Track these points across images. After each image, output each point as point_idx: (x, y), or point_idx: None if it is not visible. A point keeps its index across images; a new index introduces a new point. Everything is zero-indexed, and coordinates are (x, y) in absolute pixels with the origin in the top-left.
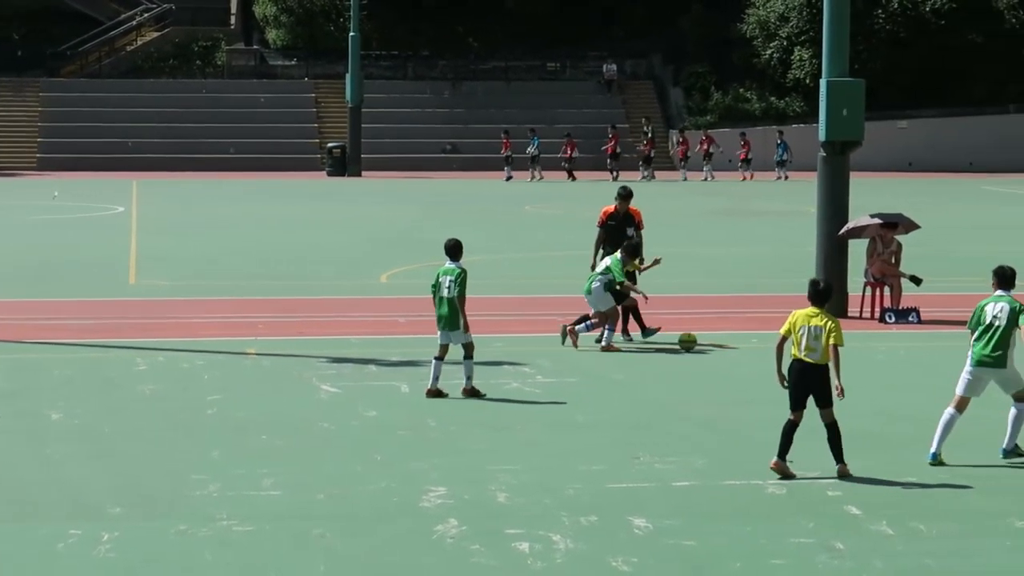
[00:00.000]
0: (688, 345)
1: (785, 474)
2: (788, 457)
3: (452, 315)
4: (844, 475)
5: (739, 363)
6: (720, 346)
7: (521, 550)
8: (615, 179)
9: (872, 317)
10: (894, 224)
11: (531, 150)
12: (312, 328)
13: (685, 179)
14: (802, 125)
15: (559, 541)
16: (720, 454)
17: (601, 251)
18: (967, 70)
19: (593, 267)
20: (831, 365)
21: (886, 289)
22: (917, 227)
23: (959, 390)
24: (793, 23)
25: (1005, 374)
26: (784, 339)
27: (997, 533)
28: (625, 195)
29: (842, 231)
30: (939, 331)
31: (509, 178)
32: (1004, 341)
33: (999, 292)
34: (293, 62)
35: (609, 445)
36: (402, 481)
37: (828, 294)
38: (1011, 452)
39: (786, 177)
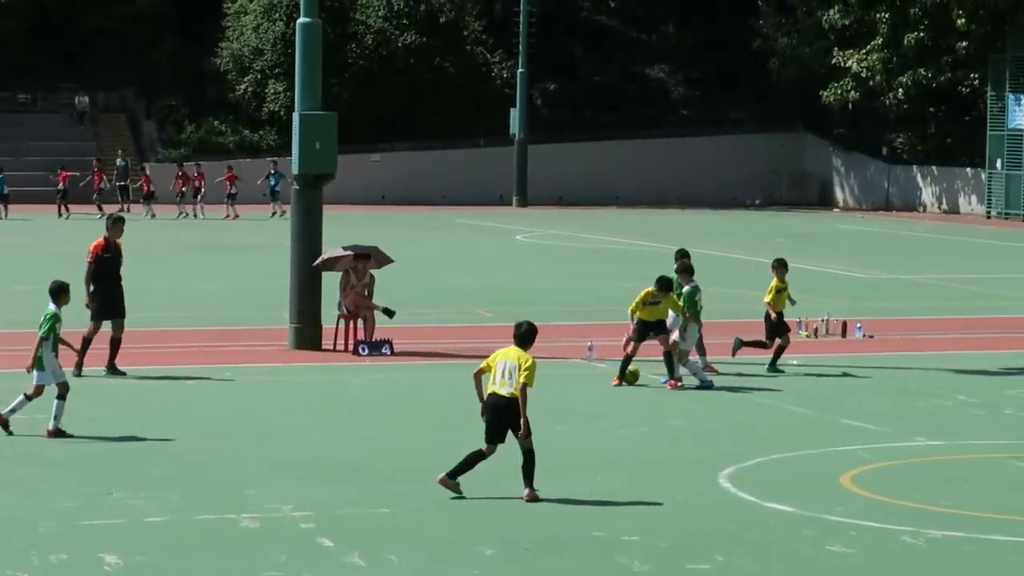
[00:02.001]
0: (633, 378)
1: (453, 489)
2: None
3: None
4: (532, 499)
5: (212, 397)
6: (188, 378)
7: None
8: (102, 214)
9: (346, 349)
10: (367, 256)
11: None
12: None
13: (185, 215)
14: (277, 158)
15: None
16: (193, 489)
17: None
18: (439, 104)
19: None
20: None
21: (360, 321)
22: (390, 261)
23: None
24: (267, 57)
25: None
26: (481, 371)
27: (467, 561)
28: (117, 219)
29: (316, 262)
30: (412, 363)
31: None
32: None
33: None
34: None
35: (82, 481)
36: None
37: (529, 336)
38: None
39: (283, 213)
